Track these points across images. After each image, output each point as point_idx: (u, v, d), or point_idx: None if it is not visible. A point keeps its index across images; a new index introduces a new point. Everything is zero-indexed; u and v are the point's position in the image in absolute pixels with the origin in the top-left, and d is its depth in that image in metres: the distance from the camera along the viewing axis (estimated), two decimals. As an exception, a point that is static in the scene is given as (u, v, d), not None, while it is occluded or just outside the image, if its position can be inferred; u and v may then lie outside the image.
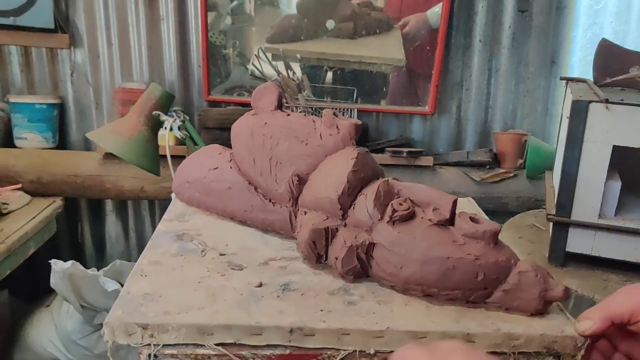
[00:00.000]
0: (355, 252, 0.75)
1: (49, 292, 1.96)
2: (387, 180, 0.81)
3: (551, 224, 1.36)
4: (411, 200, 0.77)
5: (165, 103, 1.64)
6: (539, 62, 2.27)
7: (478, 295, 0.70)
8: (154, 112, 1.60)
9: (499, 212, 2.07)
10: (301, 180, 0.91)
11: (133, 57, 2.18)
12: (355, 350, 0.65)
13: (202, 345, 0.64)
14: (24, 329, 1.92)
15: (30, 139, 2.08)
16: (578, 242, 1.32)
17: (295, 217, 0.92)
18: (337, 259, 0.76)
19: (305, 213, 0.87)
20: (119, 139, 1.52)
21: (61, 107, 2.19)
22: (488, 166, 2.16)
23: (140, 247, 2.34)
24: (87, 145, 2.23)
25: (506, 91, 2.29)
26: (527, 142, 2.12)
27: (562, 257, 1.34)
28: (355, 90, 2.24)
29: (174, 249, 0.84)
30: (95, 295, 1.77)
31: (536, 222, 1.70)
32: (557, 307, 0.72)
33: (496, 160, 2.20)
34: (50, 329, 1.87)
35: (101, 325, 1.87)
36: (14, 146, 2.10)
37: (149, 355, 0.63)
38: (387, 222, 0.73)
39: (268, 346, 0.65)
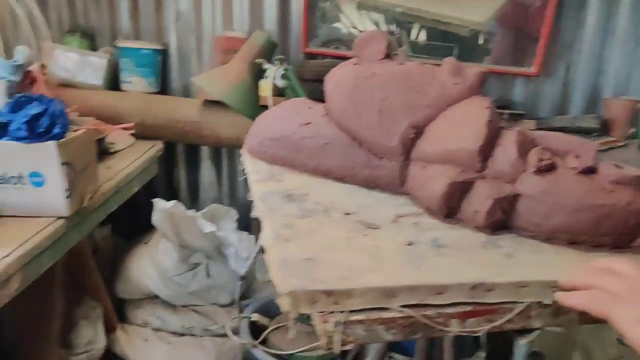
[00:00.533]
0: (500, 205, 0.73)
1: (147, 230, 2.06)
2: (521, 129, 0.77)
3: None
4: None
5: (269, 51, 1.65)
6: (663, 24, 2.08)
7: (624, 240, 0.70)
8: (256, 60, 1.61)
9: (604, 183, 1.95)
10: (418, 133, 0.87)
11: (234, 6, 2.20)
12: (531, 303, 0.65)
13: (386, 309, 0.62)
14: (124, 262, 2.04)
15: (135, 82, 2.16)
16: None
17: (406, 172, 0.89)
18: (477, 211, 0.74)
19: (424, 167, 0.84)
20: (224, 84, 1.54)
21: (164, 54, 2.25)
22: (596, 133, 2.03)
23: (232, 195, 2.40)
24: (187, 92, 2.29)
25: (622, 54, 2.12)
26: (641, 110, 1.97)
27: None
28: (457, 48, 2.15)
29: (295, 211, 0.81)
30: (193, 235, 1.84)
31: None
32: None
33: (605, 128, 2.06)
34: (148, 265, 1.97)
35: (196, 264, 1.95)
36: (120, 89, 2.19)
37: (336, 323, 0.60)
38: (533, 172, 0.71)
39: (452, 304, 0.64)
